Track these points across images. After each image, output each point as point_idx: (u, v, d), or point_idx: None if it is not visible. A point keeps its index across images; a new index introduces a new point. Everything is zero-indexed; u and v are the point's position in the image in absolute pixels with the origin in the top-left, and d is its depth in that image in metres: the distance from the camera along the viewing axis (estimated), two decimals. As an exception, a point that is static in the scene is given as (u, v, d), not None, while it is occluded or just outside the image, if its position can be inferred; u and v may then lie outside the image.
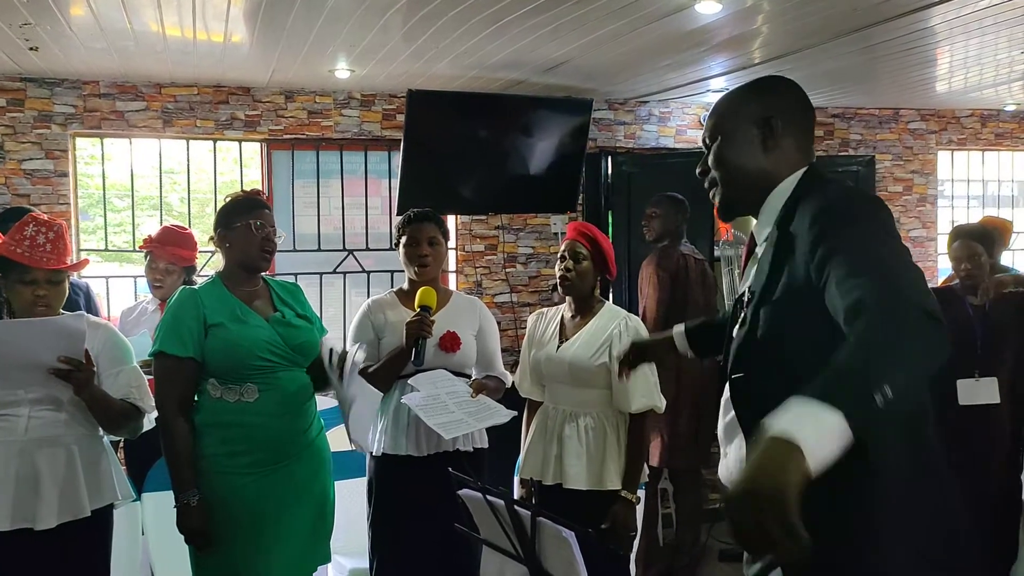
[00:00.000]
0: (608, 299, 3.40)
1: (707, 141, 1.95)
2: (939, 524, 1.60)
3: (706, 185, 1.98)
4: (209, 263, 5.18)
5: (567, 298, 3.23)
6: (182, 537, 2.84)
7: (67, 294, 2.91)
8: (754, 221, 1.90)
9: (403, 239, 3.28)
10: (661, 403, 3.12)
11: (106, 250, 6.34)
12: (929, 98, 6.67)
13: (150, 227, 4.18)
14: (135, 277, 5.41)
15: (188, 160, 5.70)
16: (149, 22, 4.03)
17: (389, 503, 3.17)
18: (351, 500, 3.52)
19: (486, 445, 3.26)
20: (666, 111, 6.53)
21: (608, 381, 3.07)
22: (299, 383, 2.94)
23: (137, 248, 4.20)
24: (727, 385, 1.84)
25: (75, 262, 2.93)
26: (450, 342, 3.17)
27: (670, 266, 4.76)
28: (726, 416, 1.85)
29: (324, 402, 3.19)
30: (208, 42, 4.41)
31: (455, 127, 5.44)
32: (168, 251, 3.88)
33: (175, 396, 2.81)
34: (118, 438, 3.41)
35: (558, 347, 3.14)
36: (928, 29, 4.43)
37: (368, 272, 5.94)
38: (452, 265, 6.05)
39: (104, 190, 5.74)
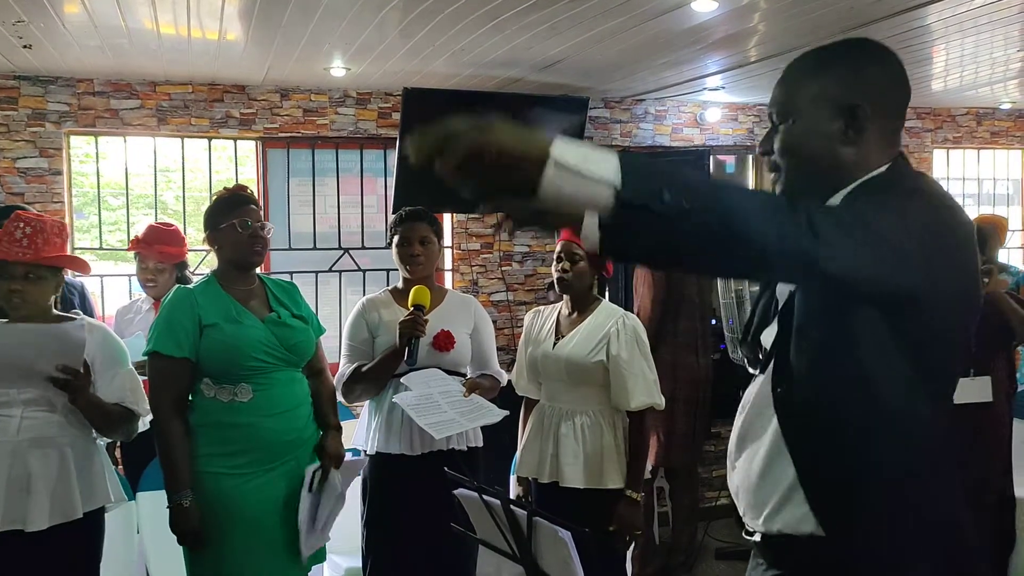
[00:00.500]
0: (604, 297, 3.40)
1: (773, 119, 1.62)
2: (937, 523, 1.55)
3: (767, 168, 1.65)
4: (204, 262, 5.17)
5: (564, 296, 3.23)
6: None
7: (54, 292, 2.88)
8: None
9: (395, 238, 3.28)
10: (661, 401, 3.12)
11: (100, 249, 6.32)
12: (925, 96, 6.67)
13: (144, 226, 4.17)
14: (129, 276, 5.38)
15: (183, 158, 5.69)
16: (143, 19, 4.01)
17: (383, 502, 3.16)
18: (346, 499, 3.51)
19: (480, 444, 3.26)
20: (662, 109, 6.52)
21: (605, 379, 3.06)
22: (294, 384, 2.93)
23: (127, 249, 4.18)
24: (750, 392, 1.69)
25: (58, 256, 2.84)
26: (444, 341, 3.17)
27: None
28: (742, 425, 1.70)
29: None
30: (203, 40, 4.39)
31: (451, 125, 5.43)
32: (156, 250, 3.86)
33: (170, 396, 2.80)
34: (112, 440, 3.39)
35: (554, 345, 3.13)
36: (924, 27, 4.43)
37: (364, 271, 5.94)
38: (448, 264, 6.05)
39: (99, 188, 5.72)
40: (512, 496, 3.24)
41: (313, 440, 3.00)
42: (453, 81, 5.36)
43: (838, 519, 1.50)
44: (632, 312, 3.86)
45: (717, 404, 4.98)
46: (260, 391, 2.83)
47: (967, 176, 7.63)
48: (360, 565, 3.38)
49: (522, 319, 6.17)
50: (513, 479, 3.41)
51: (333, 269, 5.90)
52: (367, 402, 3.26)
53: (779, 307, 1.64)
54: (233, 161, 5.88)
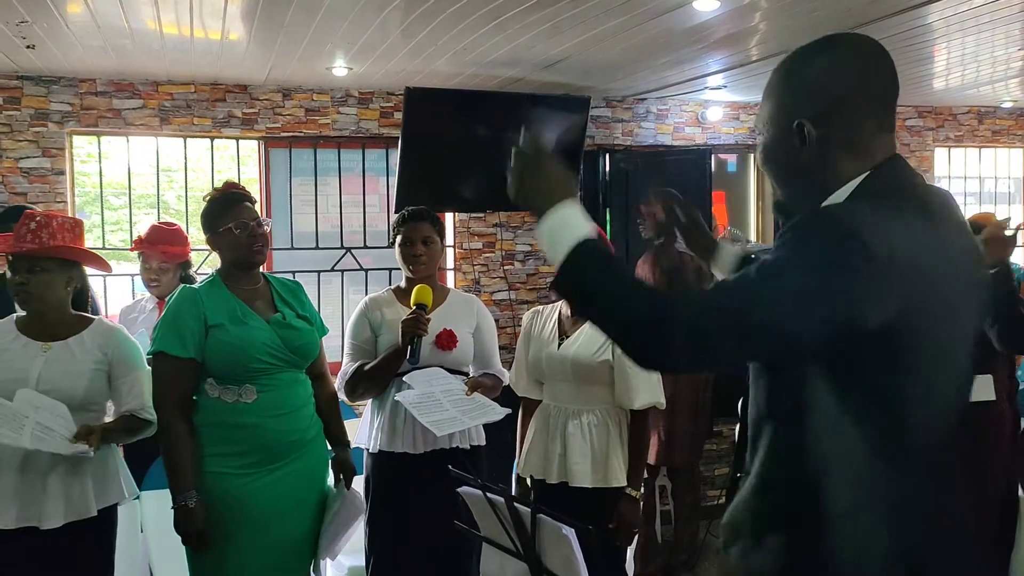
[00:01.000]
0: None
1: (757, 126, 1.64)
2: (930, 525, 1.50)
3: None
4: (207, 261, 5.18)
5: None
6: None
7: (65, 287, 2.88)
8: None
9: (398, 238, 3.28)
10: (663, 399, 3.12)
11: (103, 248, 6.32)
12: (926, 95, 6.67)
13: (146, 226, 4.18)
14: (132, 275, 5.39)
15: (185, 158, 5.70)
16: (146, 20, 4.02)
17: (386, 500, 3.17)
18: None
19: (483, 442, 3.26)
20: (664, 108, 6.53)
21: (610, 378, 3.07)
22: (298, 384, 2.94)
23: (130, 249, 4.19)
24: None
25: (62, 248, 2.84)
26: (446, 340, 3.17)
27: (666, 264, 4.76)
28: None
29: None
30: (205, 40, 4.40)
31: (453, 125, 5.44)
32: (159, 249, 3.87)
33: (174, 397, 2.79)
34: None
35: (559, 345, 3.12)
36: (925, 26, 4.43)
37: (366, 270, 5.94)
38: (450, 263, 6.05)
39: (101, 188, 5.73)
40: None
41: (317, 440, 3.00)
42: (455, 81, 5.36)
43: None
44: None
45: (717, 403, 5.00)
46: (265, 392, 2.83)
47: (968, 175, 7.63)
48: (363, 564, 3.39)
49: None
50: (514, 479, 3.40)
51: (335, 268, 5.91)
52: (369, 401, 3.27)
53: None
54: (235, 161, 5.89)
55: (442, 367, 3.16)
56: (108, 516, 2.91)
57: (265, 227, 2.94)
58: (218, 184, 3.14)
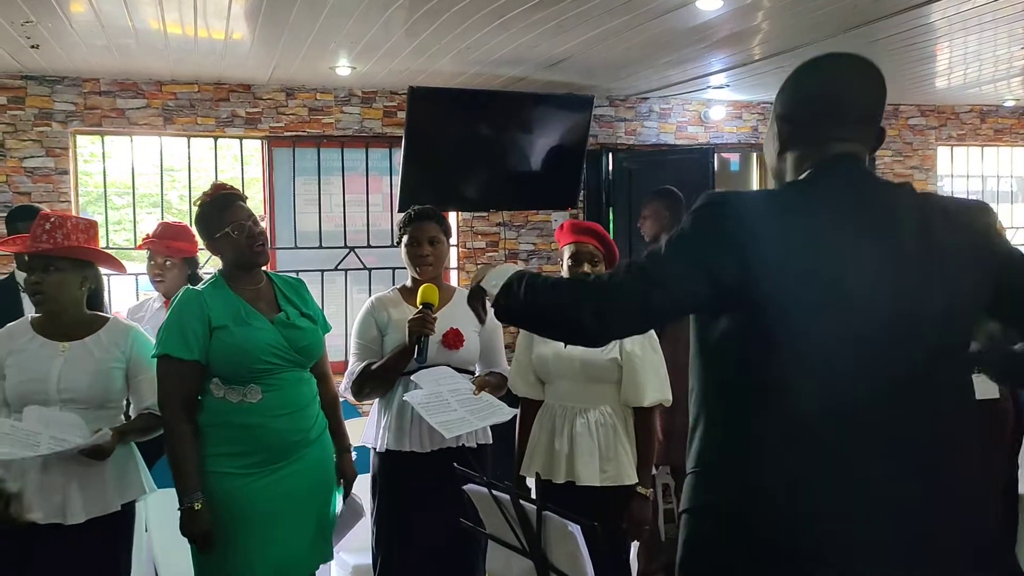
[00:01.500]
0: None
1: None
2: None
3: None
4: (210, 261, 5.18)
5: None
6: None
7: (79, 287, 2.89)
8: None
9: (404, 238, 3.27)
10: (670, 397, 3.12)
11: (106, 248, 6.33)
12: (929, 94, 6.68)
13: (150, 225, 4.18)
14: (136, 275, 5.41)
15: (189, 157, 5.71)
16: (150, 19, 4.03)
17: (393, 499, 3.16)
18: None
19: (490, 441, 3.25)
20: (667, 107, 6.54)
21: (618, 375, 3.06)
22: (302, 383, 2.93)
23: (136, 247, 4.20)
24: None
25: (76, 248, 2.84)
26: (453, 339, 3.16)
27: None
28: None
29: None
30: (209, 39, 4.41)
31: (456, 124, 5.45)
32: (165, 244, 3.87)
33: (179, 398, 2.79)
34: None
35: (566, 344, 3.10)
36: (928, 25, 4.44)
37: (369, 269, 5.95)
38: (453, 262, 6.06)
39: (105, 188, 5.74)
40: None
41: (322, 439, 3.00)
42: (458, 80, 5.37)
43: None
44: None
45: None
46: (269, 392, 2.82)
47: (971, 173, 7.63)
48: (367, 563, 3.39)
49: (527, 317, 6.19)
50: (515, 479, 3.39)
51: (339, 267, 5.92)
52: (376, 400, 3.27)
53: None
54: (239, 160, 5.90)
55: (449, 366, 3.16)
56: (128, 511, 2.94)
57: (262, 223, 2.94)
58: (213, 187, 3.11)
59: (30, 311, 3.28)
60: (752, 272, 1.57)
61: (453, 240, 5.72)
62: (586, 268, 3.10)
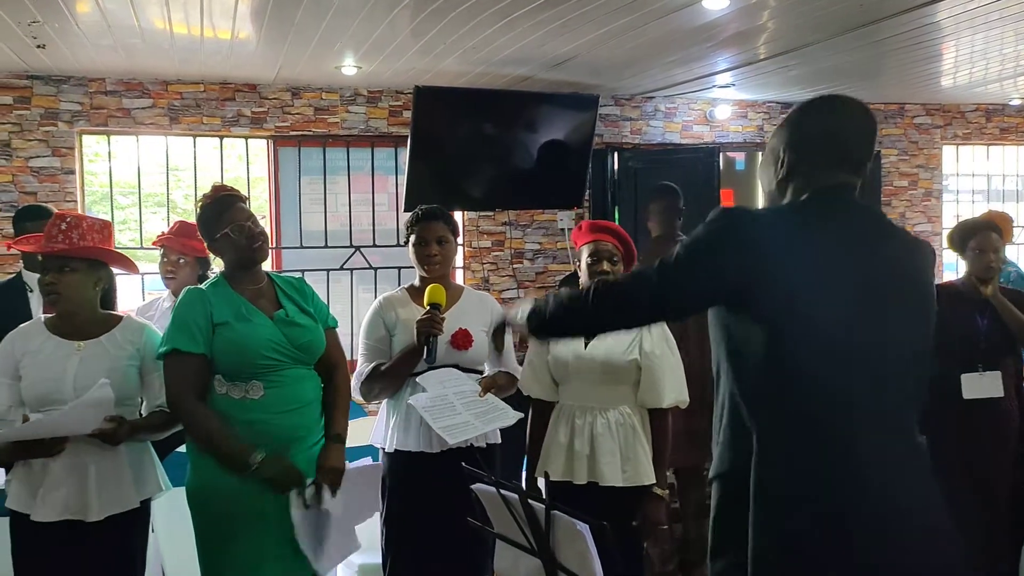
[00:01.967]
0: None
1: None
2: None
3: None
4: (216, 262, 5.19)
5: None
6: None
7: (93, 287, 2.89)
8: None
9: (412, 238, 3.26)
10: (687, 397, 3.11)
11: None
12: (934, 93, 6.67)
13: (156, 224, 4.19)
14: (142, 274, 5.41)
15: (195, 157, 5.72)
16: (155, 19, 4.04)
17: (403, 499, 3.16)
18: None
19: (499, 441, 3.25)
20: (672, 107, 6.54)
21: (636, 377, 3.06)
22: (305, 381, 2.94)
23: (151, 244, 4.22)
24: None
25: (91, 248, 2.85)
26: (462, 339, 3.16)
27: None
28: None
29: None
30: (215, 39, 4.42)
31: (462, 123, 5.45)
32: (180, 242, 3.90)
33: (191, 389, 2.80)
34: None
35: (586, 344, 3.08)
36: (934, 24, 4.43)
37: (375, 268, 5.96)
38: (460, 261, 6.06)
39: (111, 187, 5.75)
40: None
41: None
42: (464, 79, 5.37)
43: None
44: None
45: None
46: (272, 388, 2.83)
47: (976, 172, 7.63)
48: (375, 561, 3.39)
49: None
50: (524, 477, 3.38)
51: (344, 267, 5.92)
52: (384, 400, 3.26)
53: None
54: (244, 160, 5.91)
55: (458, 366, 3.15)
56: (145, 509, 2.95)
57: (260, 223, 2.95)
58: (230, 184, 3.14)
59: (38, 311, 3.28)
60: (758, 277, 1.80)
61: (459, 240, 5.73)
62: (605, 266, 3.08)
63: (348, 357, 3.35)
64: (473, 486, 2.30)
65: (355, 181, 5.93)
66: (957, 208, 7.49)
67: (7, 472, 2.85)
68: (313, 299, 3.05)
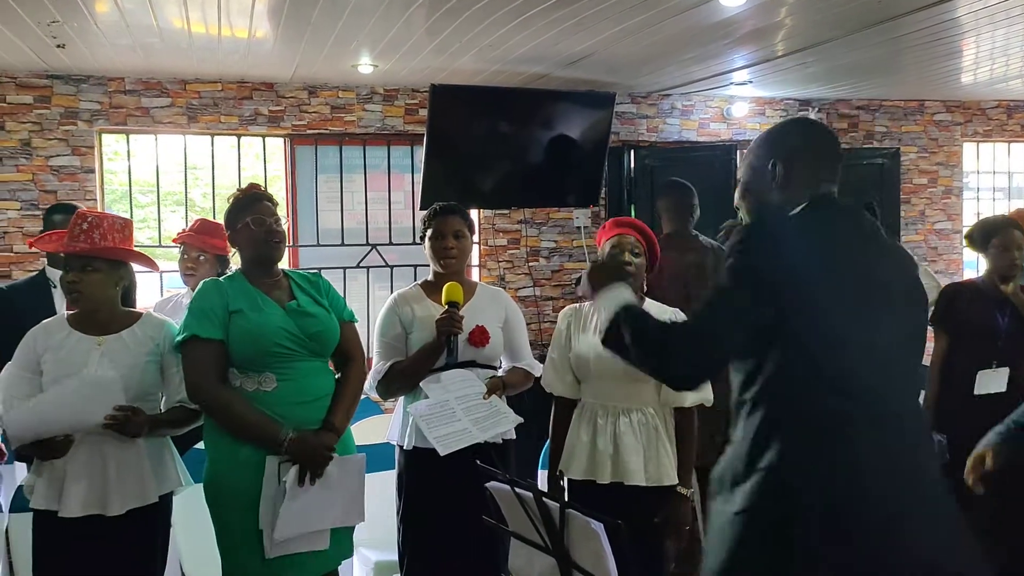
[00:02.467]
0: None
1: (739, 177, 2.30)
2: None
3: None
4: (234, 258, 5.21)
5: None
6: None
7: (115, 286, 2.92)
8: None
9: (429, 232, 3.27)
10: (711, 396, 3.10)
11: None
12: (954, 89, 6.62)
13: (174, 223, 4.22)
14: (161, 272, 5.45)
15: (212, 156, 5.75)
16: (174, 19, 4.06)
17: (419, 497, 3.16)
18: (377, 493, 3.52)
19: (514, 437, 3.25)
20: (689, 104, 6.52)
21: None
22: (319, 375, 2.95)
23: (172, 241, 4.25)
24: None
25: (113, 248, 2.88)
26: (479, 336, 3.16)
27: (692, 256, 4.69)
28: None
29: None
30: (232, 38, 4.44)
31: (478, 121, 5.46)
32: (201, 239, 3.94)
33: (213, 375, 2.81)
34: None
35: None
36: (953, 20, 4.40)
37: (391, 266, 5.97)
38: (475, 259, 6.07)
39: (130, 186, 5.79)
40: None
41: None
42: (480, 77, 5.38)
43: None
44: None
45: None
46: (284, 380, 2.84)
47: (997, 170, 7.56)
48: (390, 558, 3.39)
49: (548, 314, 6.22)
50: (542, 474, 3.38)
51: (361, 265, 5.94)
52: (401, 397, 3.27)
53: None
54: (261, 158, 5.93)
55: (476, 362, 3.16)
56: (165, 503, 2.98)
57: (280, 225, 2.97)
58: (245, 183, 3.18)
59: (61, 307, 3.30)
60: (789, 301, 1.90)
61: (475, 237, 5.73)
62: (627, 256, 3.07)
63: (366, 354, 3.36)
64: (488, 484, 2.30)
65: (371, 179, 5.95)
66: (978, 206, 7.43)
67: (29, 465, 2.88)
68: (329, 292, 3.07)
